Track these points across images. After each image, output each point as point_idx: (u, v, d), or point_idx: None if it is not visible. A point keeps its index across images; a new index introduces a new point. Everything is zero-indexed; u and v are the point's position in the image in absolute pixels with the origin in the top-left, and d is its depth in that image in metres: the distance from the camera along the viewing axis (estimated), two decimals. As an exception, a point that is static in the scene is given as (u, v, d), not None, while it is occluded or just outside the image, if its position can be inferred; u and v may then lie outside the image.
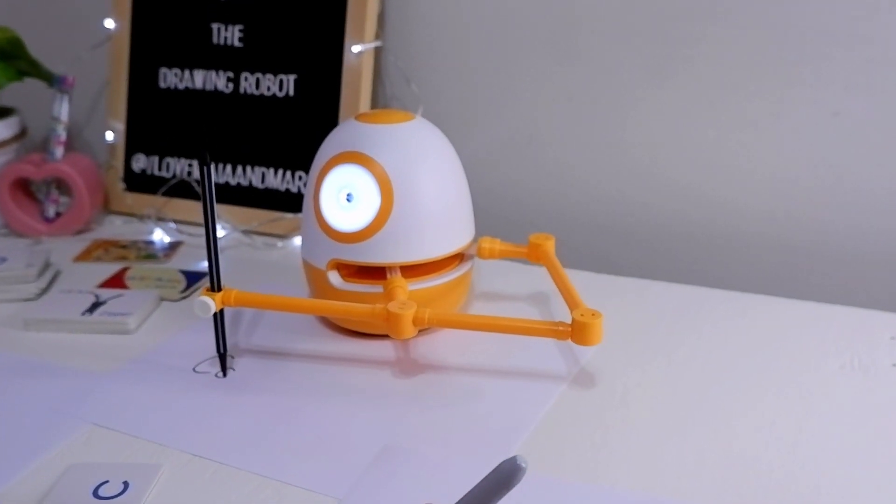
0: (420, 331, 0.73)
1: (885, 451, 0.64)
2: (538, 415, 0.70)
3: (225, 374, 0.75)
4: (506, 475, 0.42)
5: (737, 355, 0.78)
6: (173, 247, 1.08)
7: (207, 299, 0.71)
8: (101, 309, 0.88)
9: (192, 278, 0.97)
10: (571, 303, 0.75)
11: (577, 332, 0.70)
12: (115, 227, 1.15)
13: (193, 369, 0.79)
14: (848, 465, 0.62)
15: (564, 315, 0.74)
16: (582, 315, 0.70)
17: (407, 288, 0.76)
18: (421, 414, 0.70)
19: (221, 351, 0.75)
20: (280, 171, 1.09)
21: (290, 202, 1.08)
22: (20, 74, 1.13)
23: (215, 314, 0.74)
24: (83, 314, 0.87)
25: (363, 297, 0.78)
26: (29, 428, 0.70)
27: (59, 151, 1.13)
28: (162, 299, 0.93)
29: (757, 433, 0.66)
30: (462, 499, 0.44)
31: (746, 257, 0.97)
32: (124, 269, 1.00)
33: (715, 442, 0.65)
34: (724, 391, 0.72)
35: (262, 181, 1.11)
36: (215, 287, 0.72)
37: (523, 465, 0.41)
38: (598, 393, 0.72)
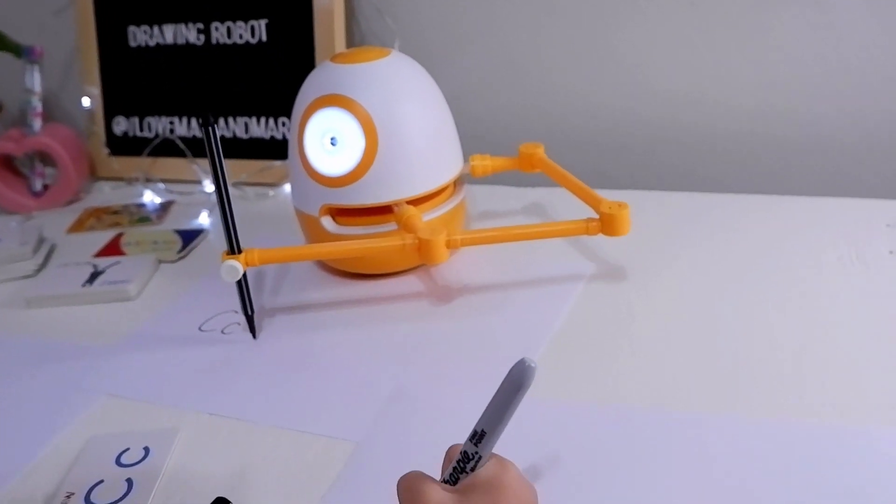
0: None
1: (887, 336, 0.66)
2: (546, 336, 0.72)
3: (255, 336, 0.77)
4: (518, 378, 0.44)
5: (738, 258, 0.80)
6: (165, 207, 1.10)
7: (235, 263, 0.72)
8: (101, 278, 0.90)
9: (188, 237, 0.99)
10: (592, 199, 0.77)
11: (607, 224, 0.74)
12: (105, 194, 1.16)
13: (199, 328, 0.81)
14: (853, 355, 0.65)
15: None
16: (609, 208, 0.73)
17: (422, 216, 0.77)
18: (434, 346, 0.73)
19: (249, 313, 0.76)
20: (263, 119, 1.10)
21: (277, 149, 1.09)
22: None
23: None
24: (83, 286, 0.89)
25: (360, 240, 0.80)
26: (46, 405, 0.73)
27: (37, 124, 1.14)
28: (160, 261, 0.95)
29: (763, 334, 0.68)
30: (484, 413, 0.46)
31: (739, 158, 0.98)
32: (119, 236, 1.02)
33: (722, 347, 0.67)
34: (727, 295, 0.74)
35: (246, 131, 1.12)
36: (236, 249, 0.73)
37: (532, 365, 0.43)
38: (606, 307, 0.74)
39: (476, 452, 0.46)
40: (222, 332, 0.80)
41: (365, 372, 0.71)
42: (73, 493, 0.60)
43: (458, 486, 0.46)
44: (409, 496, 0.45)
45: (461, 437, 0.47)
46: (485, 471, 0.46)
